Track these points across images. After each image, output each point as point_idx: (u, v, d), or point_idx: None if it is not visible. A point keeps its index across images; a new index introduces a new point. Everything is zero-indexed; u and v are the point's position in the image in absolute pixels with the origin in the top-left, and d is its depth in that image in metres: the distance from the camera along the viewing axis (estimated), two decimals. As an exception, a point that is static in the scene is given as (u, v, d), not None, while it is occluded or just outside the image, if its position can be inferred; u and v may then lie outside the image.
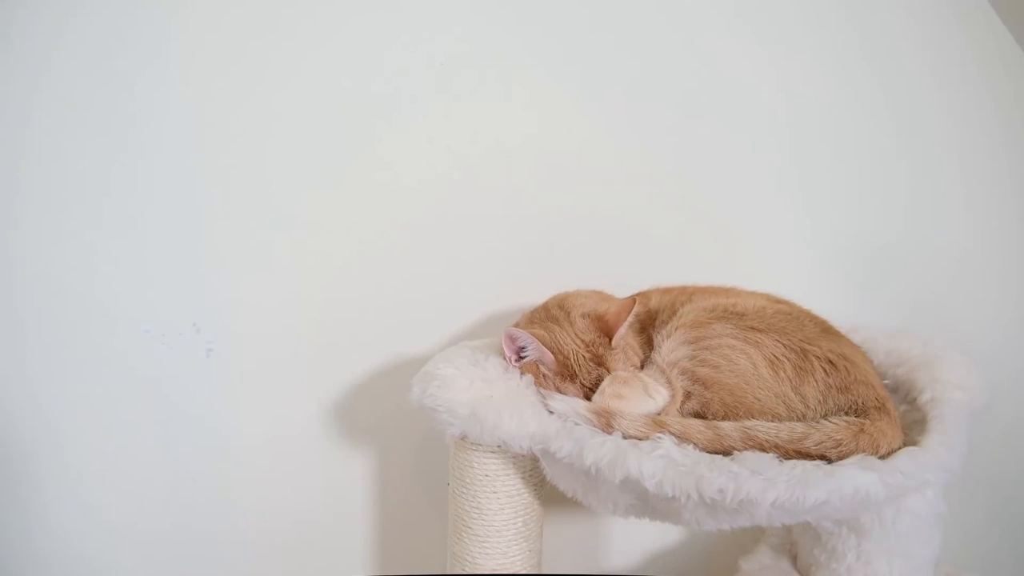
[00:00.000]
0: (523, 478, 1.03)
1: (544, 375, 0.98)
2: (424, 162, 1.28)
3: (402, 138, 1.27)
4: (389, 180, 1.28)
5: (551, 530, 1.24)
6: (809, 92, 1.34)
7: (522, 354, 0.99)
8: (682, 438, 0.86)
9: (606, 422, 0.89)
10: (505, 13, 1.26)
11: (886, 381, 1.07)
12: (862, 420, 0.88)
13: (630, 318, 0.98)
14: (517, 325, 1.09)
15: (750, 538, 1.30)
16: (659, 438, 0.85)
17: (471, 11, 1.25)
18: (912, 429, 0.95)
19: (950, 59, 1.33)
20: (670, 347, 0.96)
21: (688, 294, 1.09)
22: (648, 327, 1.06)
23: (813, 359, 0.92)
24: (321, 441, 1.33)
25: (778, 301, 1.07)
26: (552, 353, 0.97)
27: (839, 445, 0.85)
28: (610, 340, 0.98)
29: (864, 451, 0.85)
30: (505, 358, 1.00)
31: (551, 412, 0.93)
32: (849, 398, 0.91)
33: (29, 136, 1.16)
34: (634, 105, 1.32)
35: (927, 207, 1.38)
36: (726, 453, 0.85)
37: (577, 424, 0.90)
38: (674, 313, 1.03)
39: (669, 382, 0.93)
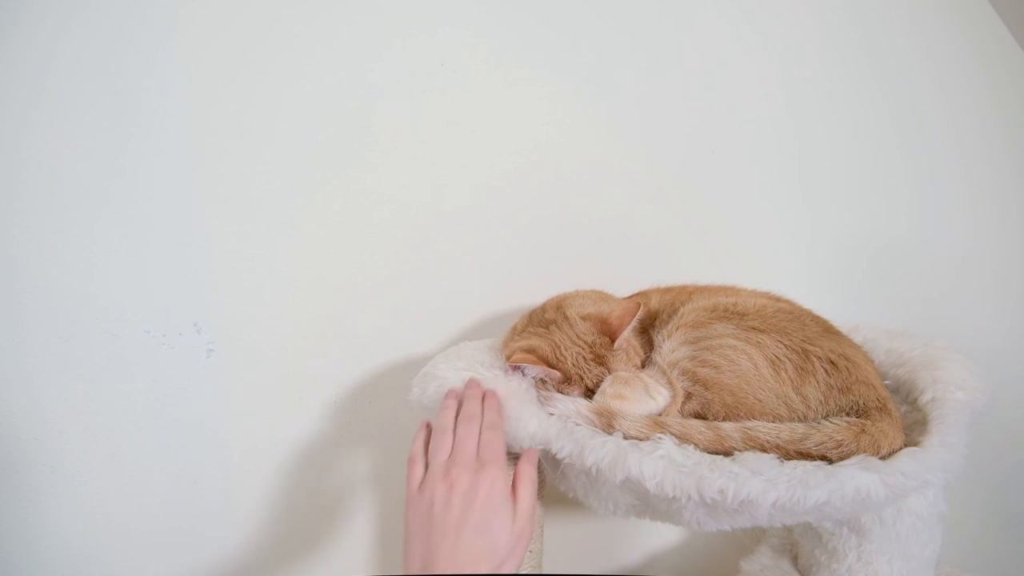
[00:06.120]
0: (524, 478, 1.03)
1: (545, 380, 0.98)
2: (425, 163, 1.28)
3: (403, 139, 1.27)
4: (390, 180, 1.28)
5: (551, 530, 1.24)
6: (810, 92, 1.34)
7: (525, 372, 0.99)
8: (683, 439, 0.86)
9: (607, 422, 0.89)
10: (509, 14, 1.26)
11: (887, 381, 1.07)
12: (863, 420, 0.88)
13: (634, 322, 0.98)
14: (515, 328, 1.09)
15: (750, 538, 1.30)
16: (660, 438, 0.85)
17: (475, 11, 1.25)
18: (913, 430, 0.95)
19: (950, 59, 1.34)
20: (671, 347, 0.96)
21: (688, 293, 1.09)
22: (648, 327, 1.06)
23: (814, 359, 0.92)
24: (321, 441, 1.33)
25: (779, 300, 1.07)
26: (555, 368, 0.96)
27: (840, 446, 0.85)
28: (612, 341, 0.98)
29: (865, 452, 0.85)
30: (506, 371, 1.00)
31: (552, 414, 0.93)
32: (850, 398, 0.91)
33: (30, 136, 1.16)
34: (634, 104, 1.32)
35: (928, 207, 1.38)
36: (727, 454, 0.85)
37: (578, 424, 0.90)
38: (674, 313, 1.03)
39: (670, 382, 0.93)
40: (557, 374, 0.96)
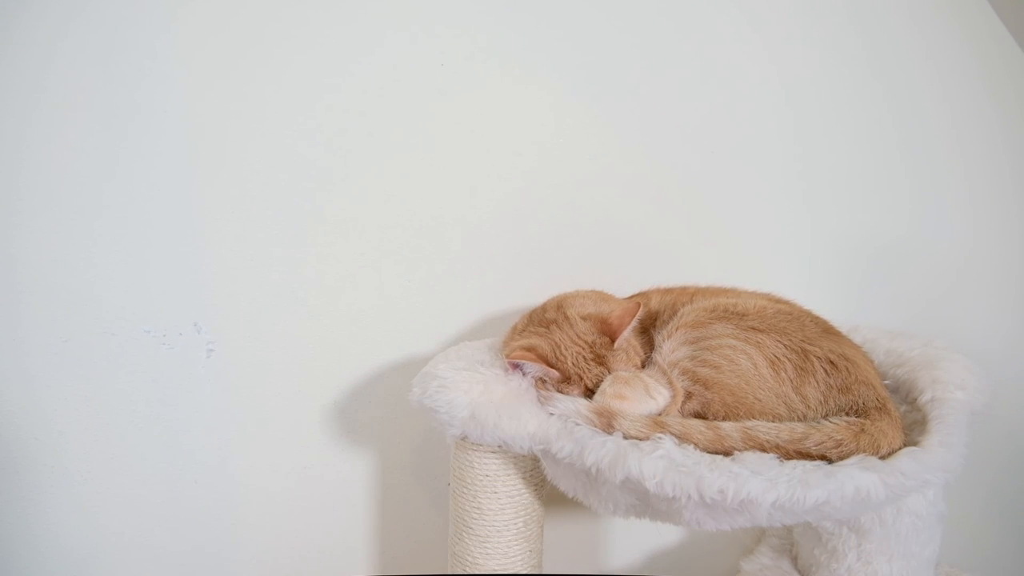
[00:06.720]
0: (524, 478, 1.03)
1: (545, 380, 0.98)
2: (425, 163, 1.28)
3: (403, 139, 1.27)
4: (389, 181, 1.28)
5: (551, 530, 1.24)
6: (811, 93, 1.34)
7: (525, 371, 0.99)
8: (683, 438, 0.86)
9: (607, 422, 0.89)
10: (510, 15, 1.26)
11: (887, 381, 1.07)
12: (863, 420, 0.88)
13: (634, 322, 0.98)
14: (515, 328, 1.09)
15: (750, 538, 1.30)
16: (660, 438, 0.85)
17: (475, 12, 1.25)
18: (912, 429, 0.95)
19: (950, 59, 1.34)
20: (671, 347, 0.96)
21: (689, 294, 1.09)
22: (649, 327, 1.06)
23: (814, 359, 0.92)
24: (321, 441, 1.33)
25: (779, 301, 1.07)
26: (554, 367, 0.96)
27: (840, 445, 0.85)
28: (612, 341, 0.98)
29: (865, 451, 0.85)
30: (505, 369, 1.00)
31: (552, 414, 0.93)
32: (850, 398, 0.91)
33: (29, 136, 1.16)
34: (634, 104, 1.32)
35: (928, 207, 1.38)
36: (727, 453, 0.85)
37: (578, 424, 0.90)
38: (675, 313, 1.03)
39: (670, 382, 0.93)
40: (556, 373, 0.96)
